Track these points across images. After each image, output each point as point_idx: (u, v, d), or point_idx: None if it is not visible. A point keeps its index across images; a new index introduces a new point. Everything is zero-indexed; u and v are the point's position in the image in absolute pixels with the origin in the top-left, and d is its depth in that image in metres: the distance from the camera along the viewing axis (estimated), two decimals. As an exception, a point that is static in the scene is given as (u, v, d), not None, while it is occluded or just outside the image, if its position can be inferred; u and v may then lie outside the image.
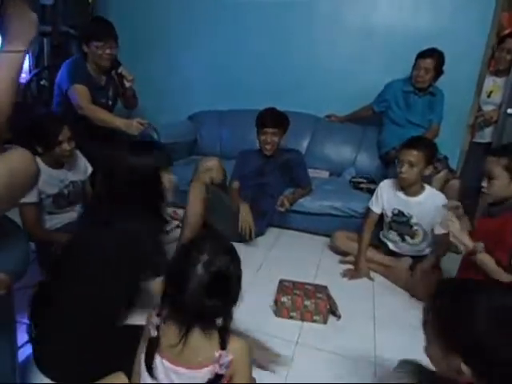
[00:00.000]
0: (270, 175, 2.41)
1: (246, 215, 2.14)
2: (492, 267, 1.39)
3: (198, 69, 3.30)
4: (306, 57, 3.01)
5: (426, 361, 0.86)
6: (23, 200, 1.34)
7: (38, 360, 1.14)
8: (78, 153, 1.89)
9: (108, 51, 2.20)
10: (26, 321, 1.15)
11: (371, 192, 2.21)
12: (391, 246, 2.10)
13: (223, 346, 0.84)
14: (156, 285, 1.15)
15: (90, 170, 1.95)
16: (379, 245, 2.15)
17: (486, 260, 1.40)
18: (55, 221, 1.80)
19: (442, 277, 1.76)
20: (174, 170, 2.82)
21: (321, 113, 3.03)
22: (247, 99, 3.10)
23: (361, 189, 2.52)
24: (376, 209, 2.08)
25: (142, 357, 0.88)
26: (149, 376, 0.85)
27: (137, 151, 1.27)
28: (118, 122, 2.09)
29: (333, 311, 1.65)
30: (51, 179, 1.73)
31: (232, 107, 3.18)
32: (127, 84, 2.33)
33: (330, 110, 3.01)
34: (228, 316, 0.86)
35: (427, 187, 1.98)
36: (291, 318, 1.61)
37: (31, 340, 1.14)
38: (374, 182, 2.51)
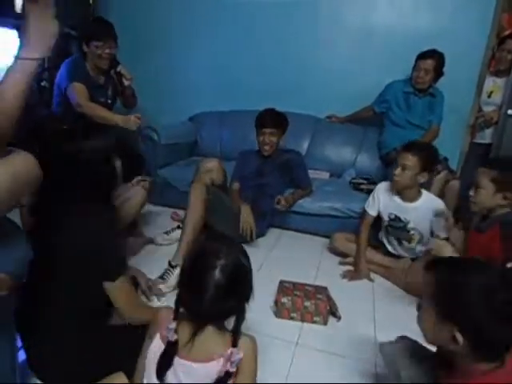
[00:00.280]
0: (270, 176, 2.41)
1: (246, 216, 2.14)
2: None
3: (198, 70, 3.31)
4: (307, 58, 3.01)
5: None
6: (24, 201, 1.33)
7: (33, 367, 1.14)
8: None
9: (107, 51, 2.22)
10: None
11: (371, 193, 2.21)
12: (389, 248, 2.11)
13: (234, 343, 0.86)
14: (115, 290, 1.09)
15: None
16: (378, 245, 2.15)
17: None
18: None
19: None
20: (175, 170, 2.88)
21: (321, 114, 3.03)
22: (247, 100, 3.11)
23: (361, 190, 2.52)
24: (372, 211, 2.07)
25: (148, 356, 0.88)
26: (156, 377, 0.86)
27: (89, 135, 1.18)
28: (116, 118, 2.11)
29: (333, 312, 1.65)
30: None
31: (232, 108, 3.19)
32: (126, 83, 2.34)
33: (330, 111, 3.01)
34: (241, 314, 0.88)
35: (424, 192, 1.95)
36: (291, 318, 1.61)
37: (23, 348, 1.13)
38: (375, 182, 2.51)
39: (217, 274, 0.82)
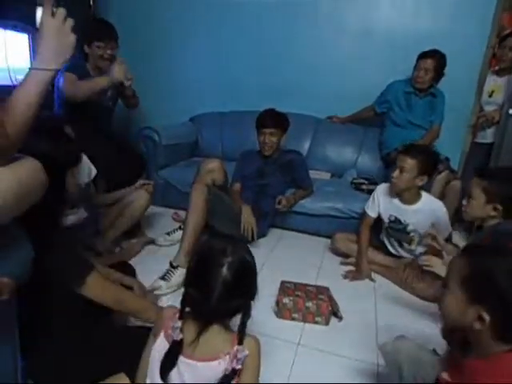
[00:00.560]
0: (271, 176, 2.41)
1: (247, 216, 2.14)
2: None
3: (199, 70, 3.31)
4: (308, 58, 3.01)
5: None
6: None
7: (32, 369, 1.14)
8: (82, 154, 1.88)
9: (109, 51, 2.24)
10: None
11: (371, 194, 2.21)
12: (390, 249, 2.11)
13: (240, 341, 0.86)
14: (88, 291, 1.07)
15: (94, 172, 1.93)
16: (380, 246, 2.15)
17: None
18: None
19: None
20: (176, 171, 2.88)
21: (322, 114, 3.03)
22: (248, 100, 3.11)
23: (362, 190, 2.52)
24: (371, 213, 2.07)
25: (151, 355, 0.89)
26: (160, 377, 0.86)
27: (43, 138, 1.07)
28: (101, 81, 2.10)
29: (334, 312, 1.65)
30: None
31: (233, 108, 3.19)
32: (126, 83, 2.34)
33: (331, 111, 3.01)
34: (247, 312, 0.88)
35: (424, 194, 1.95)
36: (293, 319, 1.61)
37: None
38: (376, 183, 2.51)
39: (224, 271, 0.83)
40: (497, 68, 2.72)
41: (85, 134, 1.93)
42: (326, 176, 2.87)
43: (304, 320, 1.61)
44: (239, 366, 0.84)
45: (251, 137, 2.66)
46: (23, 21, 2.42)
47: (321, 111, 3.02)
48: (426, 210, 1.91)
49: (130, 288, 1.44)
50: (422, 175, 1.85)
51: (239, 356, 0.84)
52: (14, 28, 2.40)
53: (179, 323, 0.87)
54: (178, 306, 0.90)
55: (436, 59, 2.43)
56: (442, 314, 0.91)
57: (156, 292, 1.70)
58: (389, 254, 2.12)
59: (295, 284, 1.72)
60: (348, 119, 2.96)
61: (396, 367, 1.08)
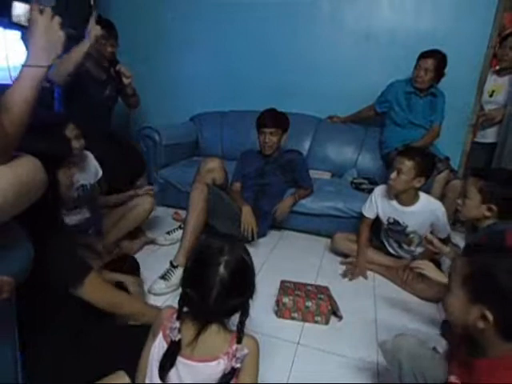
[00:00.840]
0: (271, 176, 2.41)
1: (248, 216, 2.14)
2: None
3: (199, 70, 3.31)
4: (308, 58, 3.01)
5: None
6: None
7: (32, 369, 1.14)
8: (89, 154, 1.87)
9: (109, 49, 2.25)
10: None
11: (369, 196, 2.20)
12: (390, 249, 2.11)
13: (239, 340, 0.87)
14: (85, 294, 1.08)
15: (100, 173, 1.94)
16: (380, 246, 2.15)
17: None
18: None
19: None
20: (176, 170, 2.88)
21: (322, 114, 3.03)
22: (249, 100, 3.12)
23: (362, 190, 2.52)
24: (369, 214, 2.08)
25: (150, 355, 0.89)
26: (159, 377, 0.86)
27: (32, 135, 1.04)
28: (80, 47, 2.00)
29: (334, 312, 1.65)
30: None
31: (233, 108, 3.19)
32: (126, 81, 2.35)
33: (331, 111, 3.01)
34: (245, 311, 0.88)
35: (422, 195, 1.94)
36: (293, 318, 1.61)
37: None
38: (376, 182, 2.52)
39: (221, 270, 0.83)
40: (497, 68, 2.72)
41: (84, 133, 1.94)
42: (327, 176, 2.87)
43: (304, 319, 1.61)
44: (238, 365, 0.85)
45: (251, 136, 2.67)
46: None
47: (321, 111, 3.02)
48: (425, 211, 1.90)
49: (120, 284, 1.44)
50: (420, 177, 1.84)
51: (238, 355, 0.84)
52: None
53: (177, 323, 0.86)
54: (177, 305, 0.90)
55: (437, 59, 2.42)
56: (446, 313, 0.92)
57: (156, 291, 1.71)
58: (389, 254, 2.12)
59: (295, 283, 1.72)
60: (348, 119, 2.96)
61: (396, 365, 1.08)
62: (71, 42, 2.99)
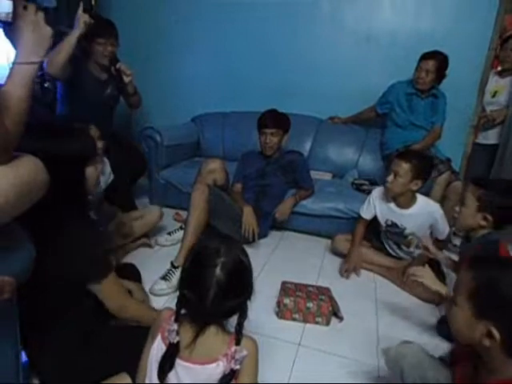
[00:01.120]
0: (272, 177, 2.42)
1: (249, 217, 2.14)
2: None
3: (200, 71, 3.32)
4: (310, 59, 3.01)
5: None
6: None
7: (35, 368, 1.14)
8: (105, 159, 1.86)
9: (109, 48, 2.26)
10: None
11: (367, 198, 2.19)
12: (390, 251, 2.12)
13: (237, 342, 0.86)
14: (101, 291, 1.10)
15: (112, 177, 1.94)
16: (381, 247, 2.15)
17: None
18: None
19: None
20: (177, 171, 2.88)
21: (323, 115, 3.03)
22: (250, 101, 3.12)
23: (363, 191, 2.51)
24: (366, 216, 2.08)
25: (149, 358, 0.89)
26: (158, 379, 0.86)
27: (58, 136, 1.07)
28: (71, 36, 2.02)
29: (335, 313, 1.65)
30: None
31: (235, 109, 3.20)
32: (126, 79, 2.35)
33: (332, 112, 3.01)
34: (243, 312, 0.88)
35: (420, 197, 1.94)
36: (294, 319, 1.61)
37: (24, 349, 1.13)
38: (377, 183, 2.52)
39: (217, 271, 0.82)
40: (499, 69, 2.72)
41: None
42: (328, 176, 2.87)
43: (305, 320, 1.61)
44: (237, 367, 0.84)
45: (252, 137, 2.67)
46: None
47: (322, 112, 3.02)
48: (423, 214, 1.90)
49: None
50: (417, 180, 1.84)
51: (237, 357, 0.84)
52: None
53: (175, 326, 0.86)
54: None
55: (438, 60, 2.42)
56: (451, 329, 0.89)
57: (157, 292, 1.71)
58: (389, 255, 2.12)
59: (296, 284, 1.72)
60: (349, 120, 2.96)
61: (398, 372, 1.07)
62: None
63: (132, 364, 0.95)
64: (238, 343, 0.86)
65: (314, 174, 2.61)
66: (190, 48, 3.29)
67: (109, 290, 1.11)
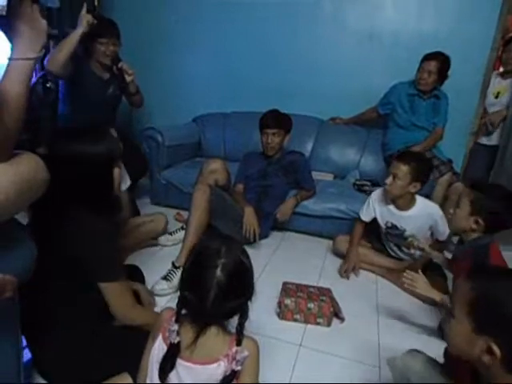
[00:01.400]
0: (274, 177, 2.41)
1: (250, 217, 2.14)
2: None
3: (202, 71, 3.32)
4: (311, 59, 3.01)
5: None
6: None
7: (39, 367, 1.15)
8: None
9: (111, 48, 2.27)
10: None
11: (366, 200, 2.19)
12: (391, 252, 2.11)
13: (238, 343, 0.86)
14: (109, 291, 1.10)
15: (128, 182, 1.94)
16: (382, 248, 2.15)
17: None
18: None
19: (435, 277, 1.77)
20: (179, 171, 2.88)
21: (325, 115, 3.03)
22: (251, 101, 3.12)
23: (364, 191, 2.51)
24: (365, 218, 2.09)
25: (150, 358, 0.89)
26: (159, 379, 0.86)
27: (89, 138, 1.11)
28: (74, 35, 2.04)
29: (336, 314, 1.64)
30: None
31: (236, 109, 3.19)
32: (128, 78, 2.35)
33: (334, 113, 3.01)
34: (244, 313, 0.88)
35: (419, 199, 1.94)
36: (295, 320, 1.61)
37: (29, 348, 1.14)
38: (378, 184, 2.51)
39: (218, 272, 0.82)
40: (501, 70, 2.71)
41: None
42: (329, 177, 2.86)
43: (306, 321, 1.61)
44: (238, 368, 0.84)
45: (254, 138, 2.67)
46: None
47: (324, 112, 3.02)
48: (422, 215, 1.90)
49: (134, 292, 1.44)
50: (416, 182, 1.84)
51: (238, 357, 0.84)
52: None
53: (176, 326, 0.86)
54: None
55: (440, 61, 2.42)
56: (448, 344, 0.86)
57: (158, 292, 1.71)
58: (390, 256, 2.12)
59: (297, 285, 1.72)
60: (351, 121, 2.95)
61: (405, 382, 1.06)
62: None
63: (133, 364, 0.95)
64: (239, 344, 0.86)
65: (315, 175, 2.61)
66: (190, 48, 3.29)
67: (114, 293, 1.11)
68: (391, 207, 1.98)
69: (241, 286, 0.87)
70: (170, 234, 2.26)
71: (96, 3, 3.19)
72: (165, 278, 1.76)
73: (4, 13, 0.82)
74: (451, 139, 2.66)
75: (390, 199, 1.97)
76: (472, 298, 0.77)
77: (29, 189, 0.80)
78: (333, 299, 1.68)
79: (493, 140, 2.70)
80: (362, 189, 2.55)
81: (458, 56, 2.47)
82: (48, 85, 2.70)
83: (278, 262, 2.14)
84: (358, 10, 2.84)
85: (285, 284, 1.73)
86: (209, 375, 0.85)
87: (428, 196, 2.27)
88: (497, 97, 2.67)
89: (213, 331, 0.86)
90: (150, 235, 2.15)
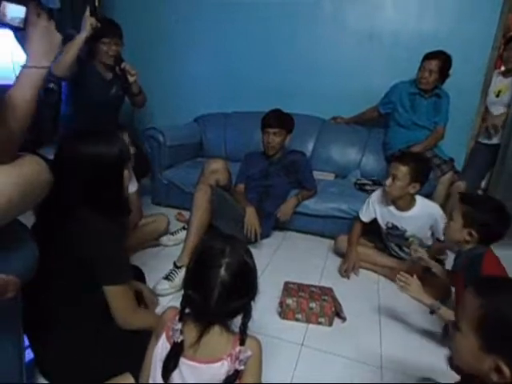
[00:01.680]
0: (275, 177, 2.41)
1: (251, 217, 2.14)
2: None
3: (203, 71, 3.32)
4: (312, 59, 3.01)
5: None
6: None
7: (41, 367, 1.15)
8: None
9: (114, 48, 2.28)
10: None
11: (366, 200, 2.18)
12: (392, 252, 2.11)
13: (242, 342, 0.86)
14: (112, 294, 1.10)
15: (136, 185, 1.94)
16: (384, 248, 2.15)
17: (447, 315, 1.38)
18: None
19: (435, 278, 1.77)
20: (180, 171, 2.88)
21: (326, 115, 3.02)
22: (252, 101, 3.12)
23: (366, 191, 2.50)
24: (365, 219, 2.09)
25: (153, 357, 0.89)
26: (162, 378, 0.86)
27: (103, 140, 1.13)
28: (78, 39, 2.04)
29: (338, 313, 1.64)
30: None
31: (237, 109, 3.20)
32: (131, 79, 2.36)
33: (335, 112, 3.01)
34: (248, 313, 0.88)
35: (419, 199, 1.94)
36: (296, 320, 1.61)
37: (32, 348, 1.14)
38: (380, 183, 2.51)
39: (222, 272, 0.83)
40: (503, 69, 2.70)
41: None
42: (330, 177, 2.86)
43: (307, 321, 1.61)
44: (241, 367, 0.84)
45: (255, 137, 2.67)
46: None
47: (325, 112, 3.02)
48: (423, 215, 1.90)
49: (137, 292, 1.45)
50: (415, 182, 1.84)
51: (241, 357, 0.84)
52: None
53: (179, 325, 0.86)
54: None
55: (441, 60, 2.41)
56: (454, 357, 0.84)
57: (160, 292, 1.71)
58: (392, 255, 2.11)
59: (299, 285, 1.72)
60: (352, 120, 2.95)
61: None
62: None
63: (136, 364, 0.96)
64: (242, 343, 0.86)
65: (316, 175, 2.61)
66: (191, 48, 3.30)
67: (117, 296, 1.11)
68: (391, 208, 1.98)
69: (244, 286, 0.87)
70: (172, 234, 2.27)
71: (97, 3, 3.19)
72: (166, 277, 1.77)
73: (22, 25, 0.87)
74: (452, 138, 2.65)
75: (390, 200, 1.97)
76: (481, 316, 0.74)
77: (32, 190, 0.81)
78: (335, 299, 1.68)
79: (493, 139, 2.69)
80: (364, 188, 2.55)
81: (458, 55, 2.46)
82: (50, 86, 2.71)
83: (279, 262, 2.14)
84: (358, 9, 2.84)
85: (286, 284, 1.73)
86: (212, 374, 0.85)
87: (430, 195, 2.26)
88: (498, 95, 2.66)
89: (216, 330, 0.87)
90: (152, 235, 2.16)
